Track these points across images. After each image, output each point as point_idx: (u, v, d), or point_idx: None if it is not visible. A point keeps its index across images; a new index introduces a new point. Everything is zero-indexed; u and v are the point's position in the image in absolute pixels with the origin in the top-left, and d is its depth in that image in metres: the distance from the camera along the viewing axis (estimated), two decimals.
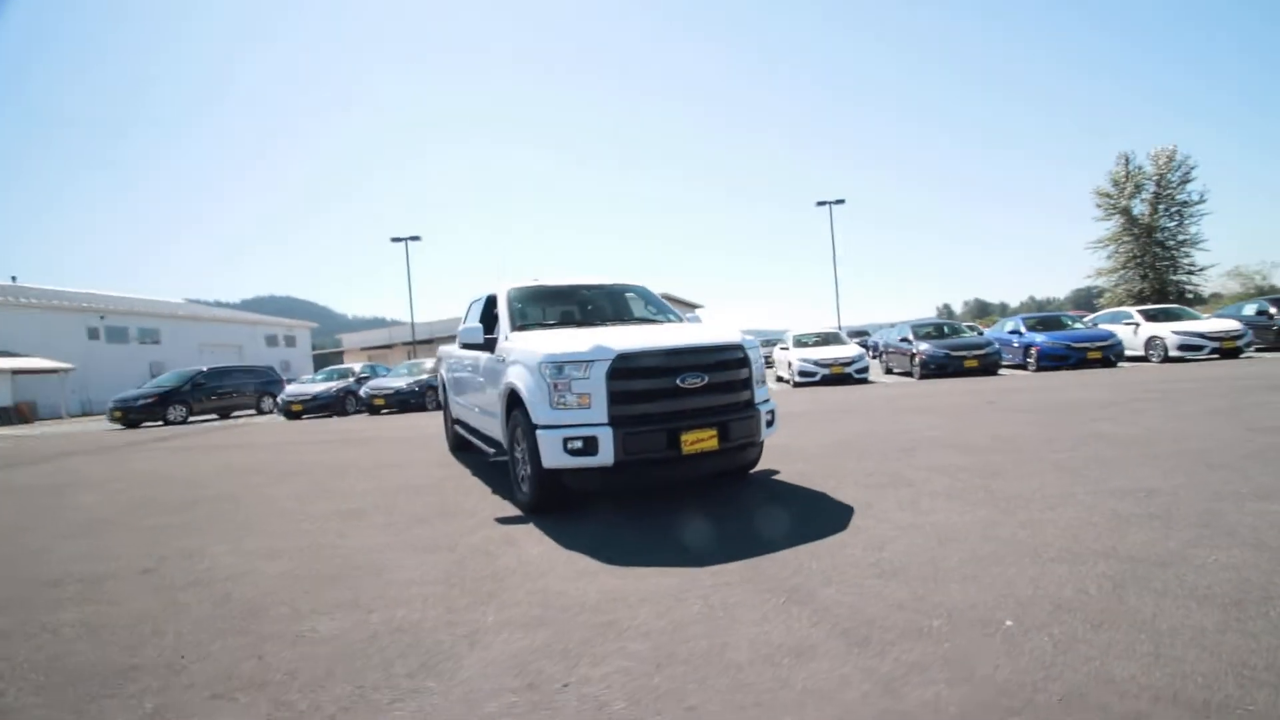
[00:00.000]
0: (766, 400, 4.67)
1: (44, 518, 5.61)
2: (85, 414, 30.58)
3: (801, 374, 14.77)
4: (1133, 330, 15.03)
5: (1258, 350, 14.57)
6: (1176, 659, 2.07)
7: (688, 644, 2.39)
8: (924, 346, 14.80)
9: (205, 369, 19.78)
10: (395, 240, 35.35)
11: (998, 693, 1.94)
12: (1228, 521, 3.33)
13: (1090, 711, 1.82)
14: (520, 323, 5.31)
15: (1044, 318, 16.16)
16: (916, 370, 14.79)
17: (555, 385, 4.10)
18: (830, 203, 33.72)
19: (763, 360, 4.75)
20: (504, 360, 4.88)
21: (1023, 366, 15.07)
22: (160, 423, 17.80)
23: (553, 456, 4.03)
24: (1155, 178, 35.96)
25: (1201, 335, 13.71)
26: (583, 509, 4.52)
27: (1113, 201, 37.25)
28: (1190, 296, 34.76)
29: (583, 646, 2.42)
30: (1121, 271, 37.23)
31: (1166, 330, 14.15)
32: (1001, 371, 14.88)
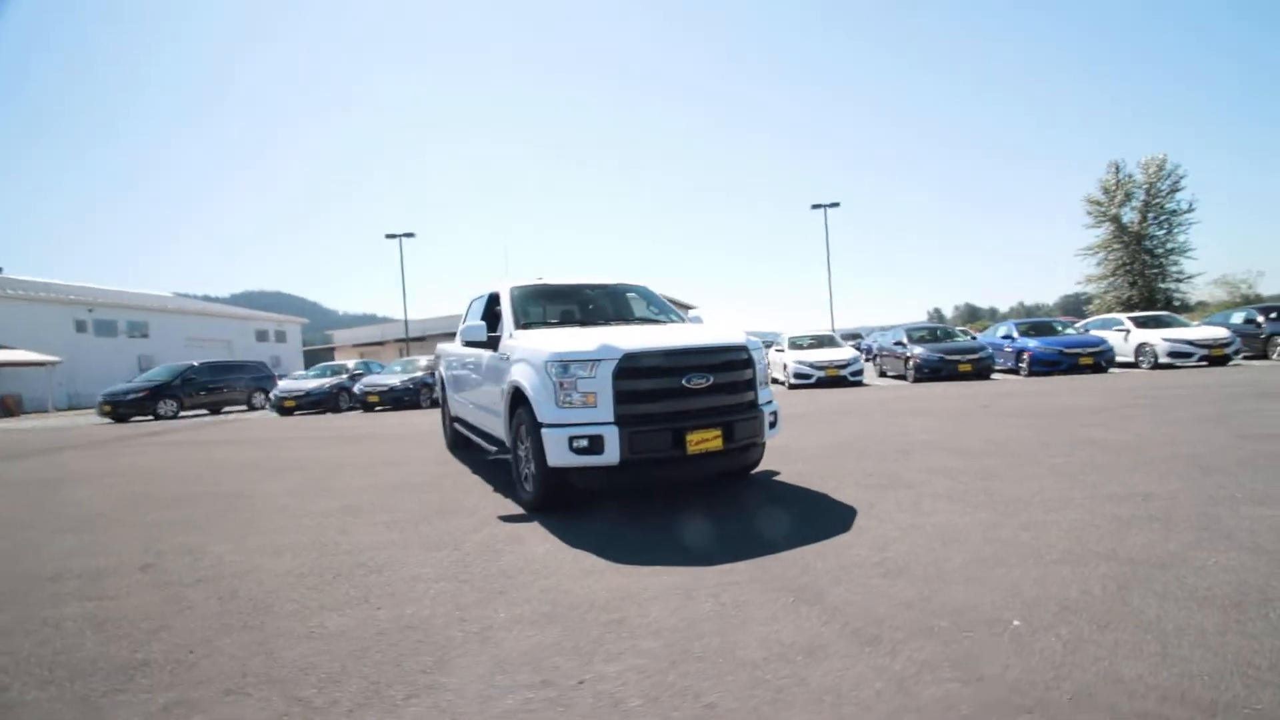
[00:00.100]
0: (769, 401, 4.70)
1: (38, 512, 5.55)
2: (72, 408, 30.23)
3: (797, 376, 14.83)
4: (1123, 336, 15.21)
5: (1245, 358, 14.78)
6: (1182, 659, 2.11)
7: (700, 641, 2.41)
8: (918, 350, 14.91)
9: (196, 364, 19.60)
10: (390, 237, 35.18)
11: (1009, 691, 1.97)
12: (1224, 525, 3.39)
13: (1100, 711, 1.86)
14: (524, 321, 5.31)
15: (1036, 323, 16.32)
16: (911, 374, 14.89)
17: (561, 384, 4.11)
18: (825, 206, 33.89)
19: (766, 361, 4.79)
20: (508, 358, 4.88)
21: (1015, 371, 15.21)
22: (150, 417, 17.62)
23: (558, 455, 4.04)
24: (1145, 186, 36.36)
25: (1191, 343, 13.90)
26: (586, 508, 4.52)
27: (1103, 209, 37.65)
28: (1177, 304, 35.21)
29: (595, 644, 2.43)
30: (1111, 278, 37.63)
31: (1157, 337, 14.33)
32: (994, 376, 15.02)
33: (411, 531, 4.18)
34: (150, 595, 3.25)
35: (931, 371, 14.48)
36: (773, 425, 4.65)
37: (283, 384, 18.44)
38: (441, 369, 8.01)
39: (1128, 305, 34.92)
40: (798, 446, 6.54)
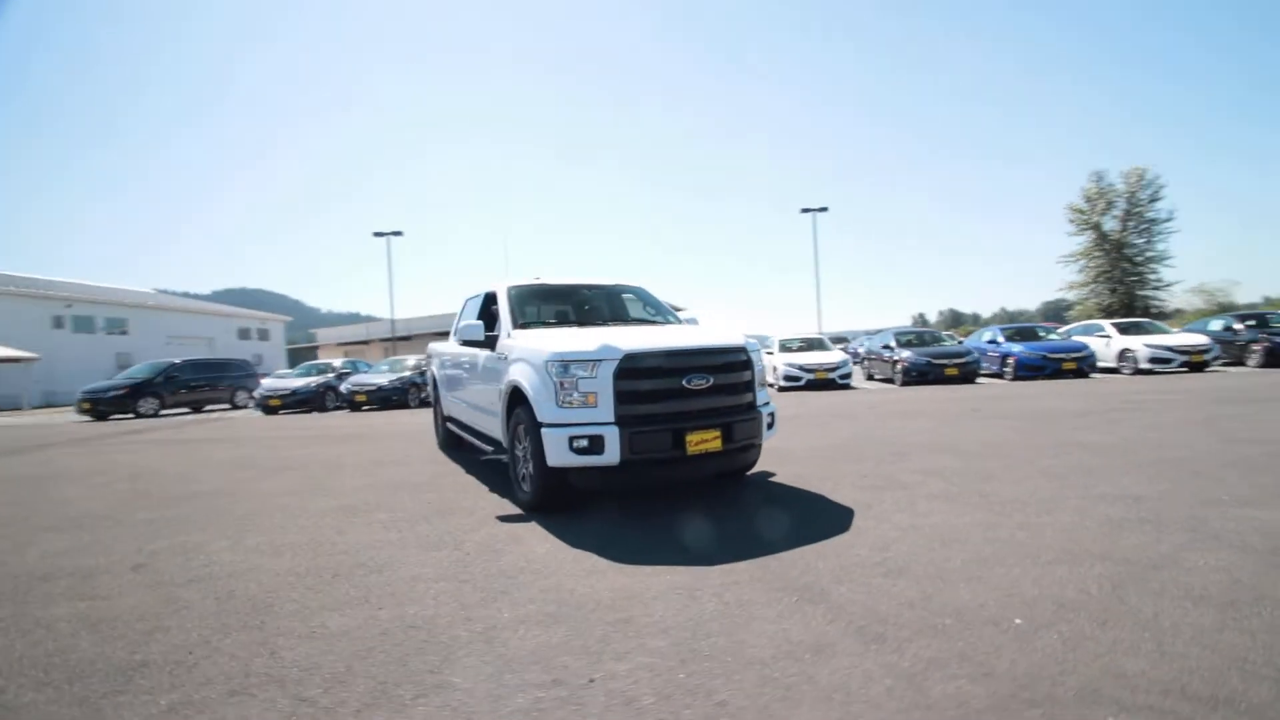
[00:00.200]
0: (767, 403, 4.73)
1: (23, 511, 5.43)
2: (48, 405, 29.58)
3: (787, 378, 14.92)
4: (1105, 342, 15.49)
5: (1223, 364, 15.11)
6: (1180, 655, 2.16)
7: (708, 640, 2.42)
8: (906, 354, 15.06)
9: (178, 361, 19.30)
10: (378, 235, 34.89)
11: (1016, 687, 2.01)
12: (1213, 527, 3.47)
13: (1105, 705, 1.89)
14: (521, 321, 5.30)
15: (1020, 328, 16.57)
16: (898, 377, 15.04)
17: (561, 384, 4.10)
18: (814, 210, 34.15)
19: (764, 363, 4.82)
20: (505, 358, 4.86)
21: (1000, 375, 15.43)
22: (131, 415, 17.31)
23: (558, 455, 4.03)
24: (1126, 195, 37.13)
25: (1171, 349, 14.19)
26: (584, 508, 4.52)
27: (1085, 217, 38.36)
28: (1155, 311, 35.92)
29: (603, 643, 2.43)
30: (1092, 285, 38.33)
31: (1138, 343, 14.61)
32: (980, 380, 15.22)
33: (409, 531, 4.14)
34: (144, 595, 3.20)
35: (919, 375, 14.64)
36: (770, 426, 4.68)
37: (267, 382, 18.20)
38: (434, 368, 7.96)
39: (1108, 312, 35.58)
40: (792, 448, 6.58)
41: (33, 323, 32.25)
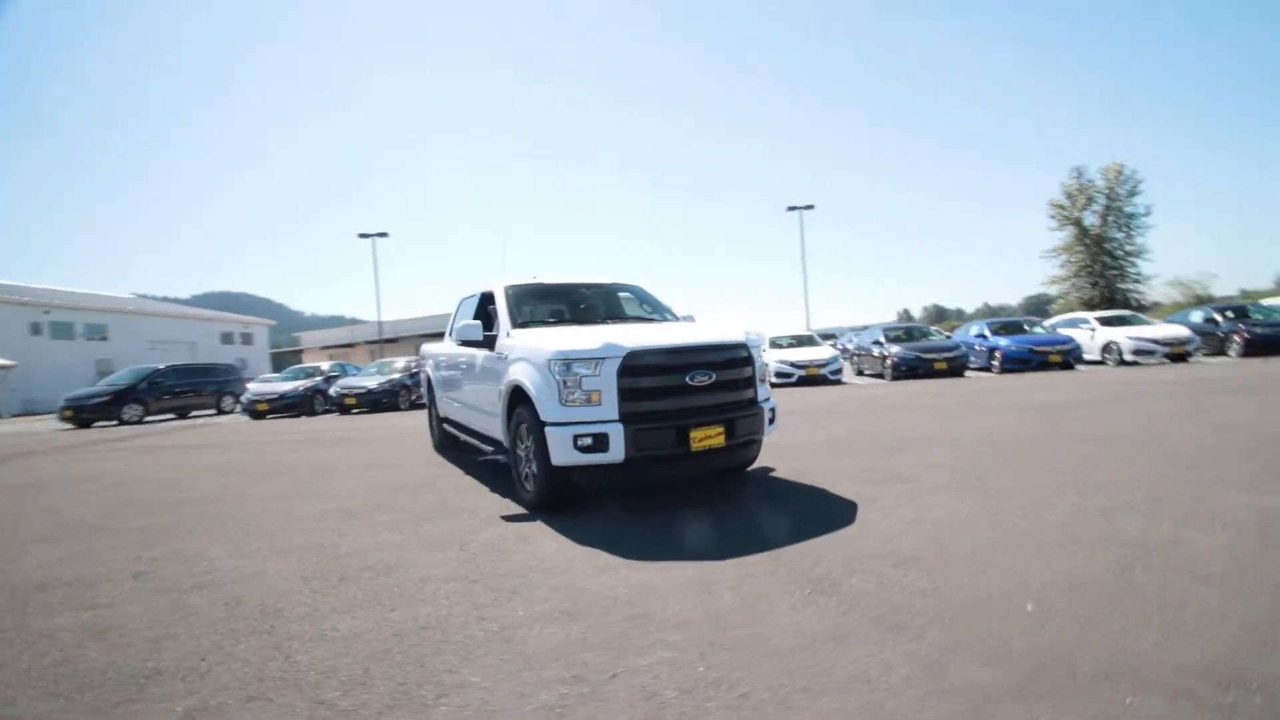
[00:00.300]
0: (768, 398, 4.76)
1: (12, 520, 5.32)
2: (27, 413, 28.97)
3: (778, 375, 14.99)
4: (1090, 335, 15.74)
5: (1204, 355, 15.41)
6: (1191, 633, 2.21)
7: (726, 633, 2.43)
8: (895, 349, 15.21)
9: (162, 366, 18.96)
10: (363, 236, 34.55)
11: (1036, 670, 2.04)
12: (1210, 510, 3.54)
13: (1123, 684, 1.93)
14: (520, 320, 5.28)
15: (1006, 322, 16.78)
16: (888, 372, 15.18)
17: (565, 382, 4.09)
18: (800, 208, 34.34)
19: (764, 359, 4.84)
20: (505, 358, 4.85)
21: (987, 369, 15.62)
22: (115, 422, 17.00)
23: (562, 453, 4.03)
24: (1106, 191, 37.74)
25: (1154, 341, 14.45)
26: (587, 506, 4.51)
27: (1066, 213, 38.95)
28: (1135, 304, 36.57)
29: (622, 639, 2.44)
30: (1073, 279, 38.92)
31: (1122, 335, 14.87)
32: (968, 374, 15.39)
33: (413, 533, 4.12)
34: (149, 603, 3.15)
35: (909, 369, 14.79)
36: (771, 422, 4.70)
37: (254, 387, 17.96)
38: (428, 370, 7.91)
39: (1089, 305, 36.14)
40: (789, 444, 6.61)
41: (9, 329, 31.58)
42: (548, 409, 4.13)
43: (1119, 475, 4.48)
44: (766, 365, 15.09)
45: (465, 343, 5.46)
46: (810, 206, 34.42)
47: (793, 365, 14.95)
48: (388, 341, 40.19)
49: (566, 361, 4.11)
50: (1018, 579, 2.77)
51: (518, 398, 4.58)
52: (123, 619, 2.95)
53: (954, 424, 7.51)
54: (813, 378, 14.87)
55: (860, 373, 17.73)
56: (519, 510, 4.54)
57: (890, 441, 6.49)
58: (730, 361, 4.40)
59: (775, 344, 16.62)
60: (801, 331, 18.92)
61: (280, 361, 52.99)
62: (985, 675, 2.03)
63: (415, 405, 16.44)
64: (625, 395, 4.05)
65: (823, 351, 15.67)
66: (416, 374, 16.55)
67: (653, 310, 5.95)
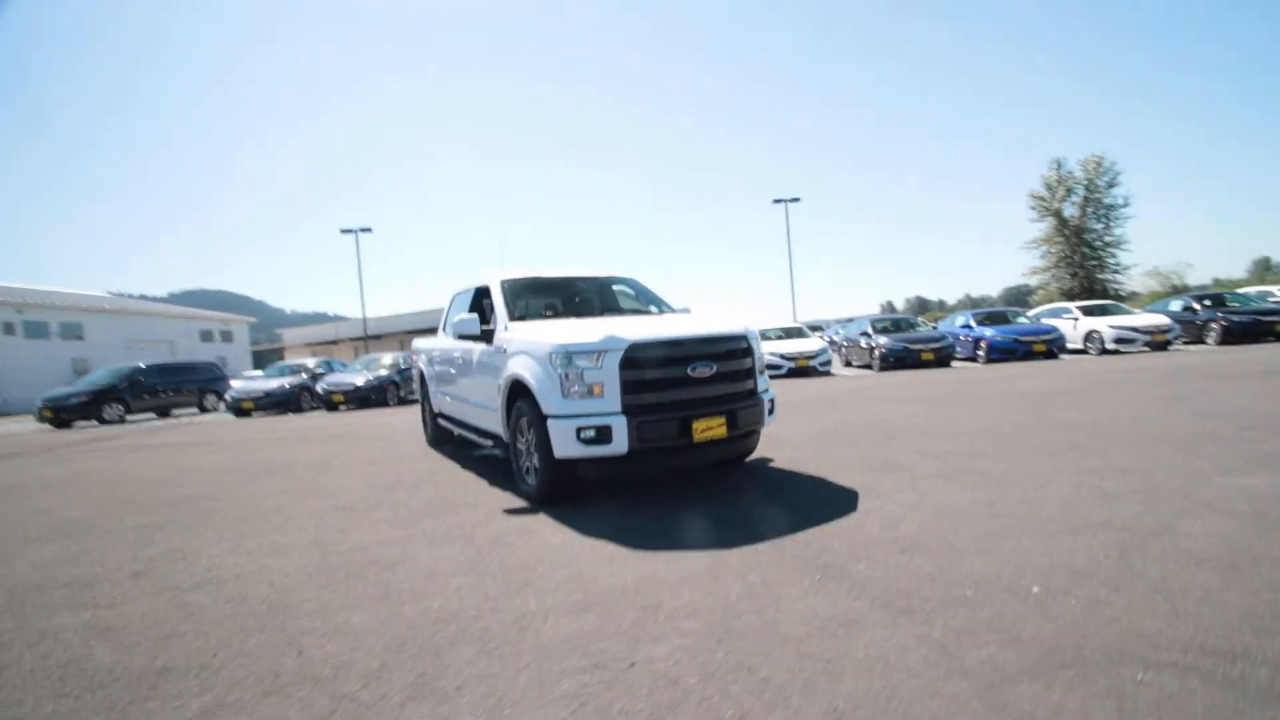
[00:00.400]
0: (767, 389, 4.79)
1: (3, 522, 5.21)
2: (2, 414, 28.32)
3: (768, 367, 15.06)
4: (1072, 324, 16.01)
5: (1184, 343, 15.75)
6: (1192, 614, 2.27)
7: (739, 620, 2.46)
8: (883, 340, 15.36)
9: (143, 365, 18.62)
10: (345, 231, 34.08)
11: (1045, 651, 2.08)
12: (1202, 495, 3.63)
13: (1132, 663, 1.98)
14: (517, 313, 5.26)
15: (991, 313, 17.02)
16: (876, 363, 15.33)
17: (566, 375, 4.09)
18: (786, 200, 34.44)
19: (763, 350, 4.87)
20: (504, 351, 4.83)
21: (973, 359, 15.84)
22: (95, 422, 16.68)
23: (565, 446, 4.03)
24: (1085, 182, 38.27)
25: (1135, 329, 14.74)
26: (588, 499, 4.51)
27: (1045, 204, 39.45)
28: (1113, 294, 37.21)
29: (637, 628, 2.45)
30: (1053, 270, 39.49)
31: (1104, 324, 15.15)
32: (954, 364, 15.59)
33: (416, 528, 4.10)
34: (151, 602, 3.11)
35: (896, 360, 14.95)
36: (770, 412, 4.74)
37: (239, 385, 17.71)
38: (421, 365, 7.85)
39: (1069, 295, 36.71)
40: (785, 434, 6.67)
41: None
42: (550, 402, 4.13)
43: (1110, 462, 4.57)
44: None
45: (462, 337, 5.43)
46: (796, 199, 34.56)
47: (782, 357, 15.04)
48: (372, 338, 39.79)
49: (568, 354, 4.10)
50: (1020, 563, 2.83)
51: (517, 391, 4.57)
52: (125, 618, 2.91)
53: (944, 413, 7.62)
54: (802, 369, 14.98)
55: (848, 364, 17.89)
56: (520, 504, 4.53)
57: (883, 431, 6.57)
58: (731, 353, 4.42)
59: (764, 336, 16.71)
60: (789, 324, 19.02)
61: (262, 359, 52.25)
62: (998, 656, 2.07)
63: (404, 401, 16.32)
64: (628, 387, 4.06)
65: (812, 343, 15.79)
66: (405, 370, 16.41)
67: (649, 303, 5.95)
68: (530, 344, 4.45)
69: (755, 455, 5.54)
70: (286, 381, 16.78)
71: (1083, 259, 38.28)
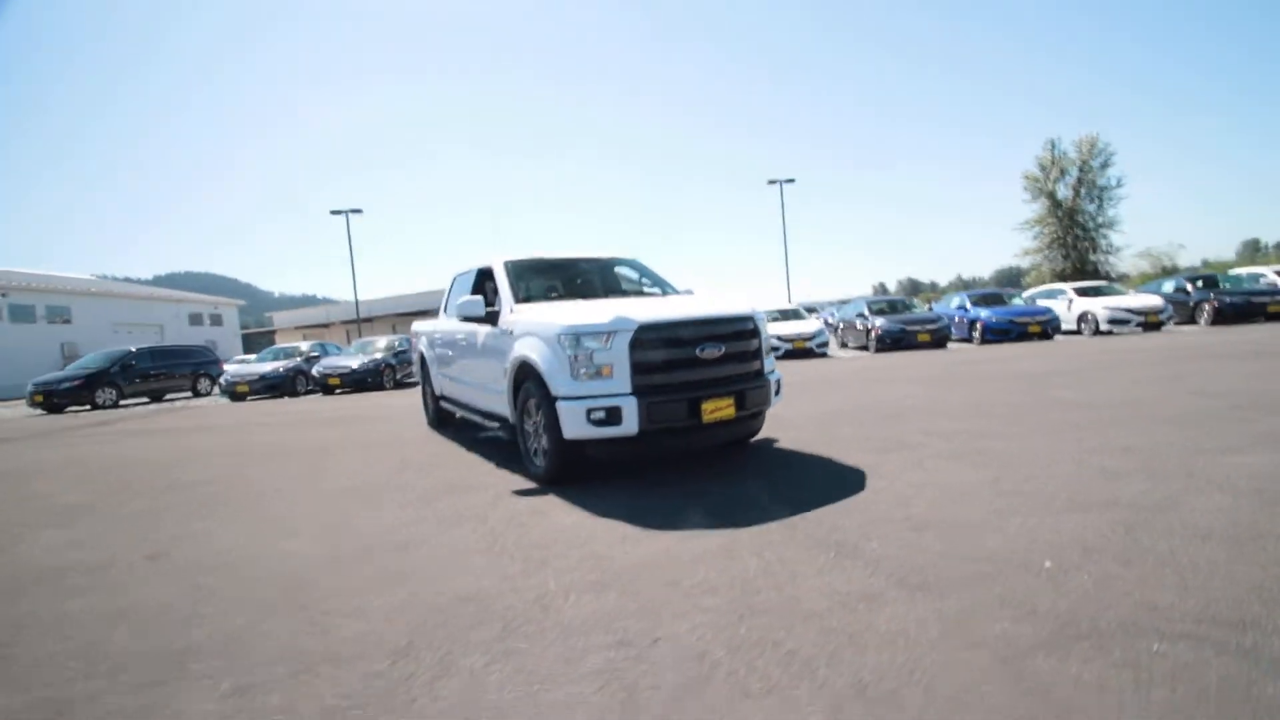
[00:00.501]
0: (773, 370, 4.81)
1: (7, 506, 5.19)
2: None
3: None
4: (1066, 305, 16.12)
5: (1176, 324, 15.91)
6: (1202, 588, 2.32)
7: (759, 596, 2.50)
8: (880, 321, 15.42)
9: (135, 349, 18.43)
10: (335, 213, 33.64)
11: (1061, 624, 2.13)
12: (1205, 473, 3.69)
13: (1147, 635, 2.03)
14: (522, 295, 5.24)
15: (987, 294, 17.12)
16: (873, 344, 15.41)
17: (575, 357, 4.09)
18: (780, 181, 34.26)
19: (769, 331, 4.88)
20: (510, 333, 4.81)
21: (968, 340, 15.94)
22: (88, 407, 16.55)
23: (574, 427, 4.04)
24: (1078, 163, 38.28)
25: (1129, 310, 14.87)
26: (596, 480, 4.53)
27: (1039, 185, 39.48)
28: (1105, 275, 37.42)
29: (658, 605, 2.48)
30: (1046, 251, 39.64)
31: (1098, 305, 15.27)
32: (950, 345, 15.69)
33: (427, 509, 4.11)
34: (167, 585, 3.12)
35: (893, 342, 15.03)
36: (777, 393, 4.76)
37: (233, 368, 17.60)
38: (422, 347, 7.81)
39: (1061, 276, 36.89)
40: (788, 415, 6.70)
41: None
42: (559, 383, 4.13)
43: (1111, 440, 4.64)
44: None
45: (466, 319, 5.40)
46: (791, 180, 34.38)
47: (780, 339, 15.08)
48: (364, 321, 39.50)
49: (577, 335, 4.09)
50: (1031, 540, 2.87)
51: (524, 373, 4.56)
52: (142, 601, 2.92)
53: (944, 394, 7.68)
54: (799, 350, 15.04)
55: (844, 345, 17.97)
56: (529, 485, 4.55)
57: (885, 411, 6.63)
58: (739, 334, 4.43)
59: None
60: (786, 305, 19.06)
61: (252, 343, 51.84)
62: (1015, 629, 2.11)
63: (400, 384, 16.28)
64: (637, 368, 4.06)
65: (809, 325, 15.83)
66: (401, 353, 16.35)
67: (653, 284, 5.94)
68: (538, 325, 4.44)
69: (760, 436, 5.58)
70: (281, 365, 16.68)
71: (1075, 240, 38.44)
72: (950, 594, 2.40)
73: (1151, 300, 15.19)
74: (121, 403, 17.39)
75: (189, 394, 19.61)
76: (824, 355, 15.45)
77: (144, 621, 2.69)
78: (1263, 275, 17.39)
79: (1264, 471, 3.63)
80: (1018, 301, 16.78)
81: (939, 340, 15.07)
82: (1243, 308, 14.75)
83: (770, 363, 4.81)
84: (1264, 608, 2.14)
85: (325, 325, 50.06)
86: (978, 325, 15.42)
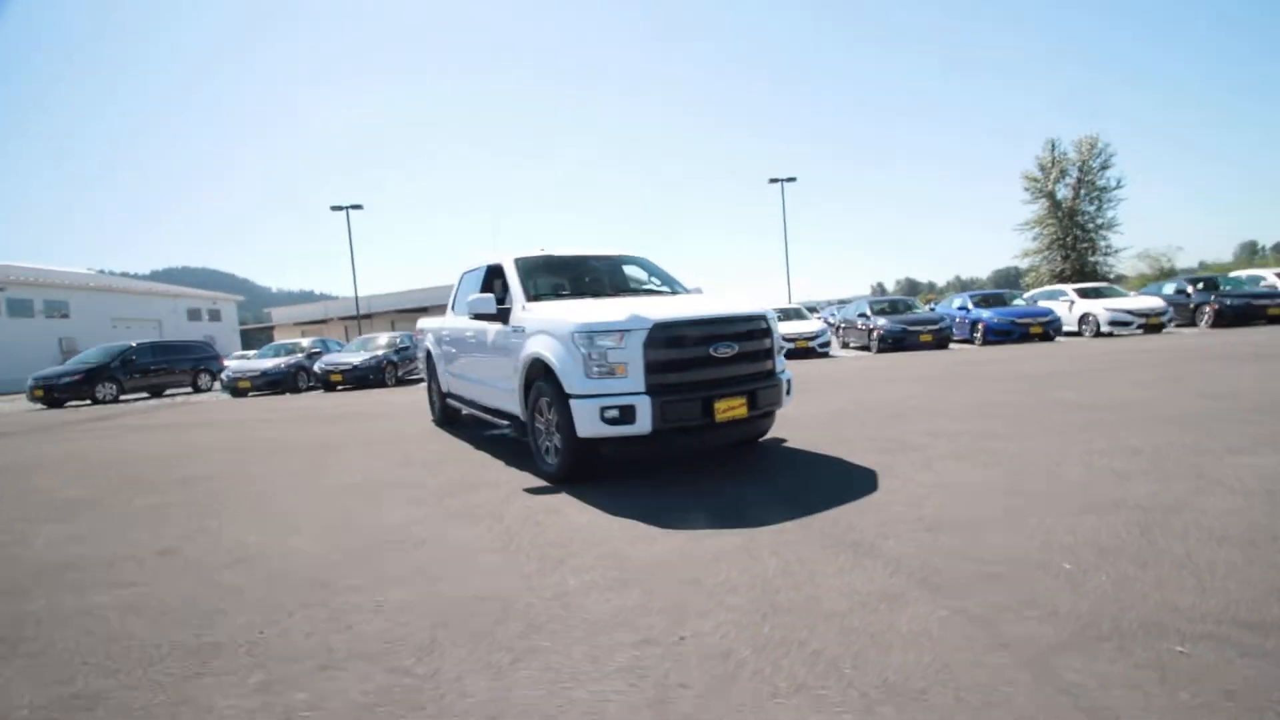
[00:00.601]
0: (784, 370, 4.82)
1: (11, 501, 5.18)
2: None
3: None
4: (1068, 307, 16.16)
5: (1177, 326, 15.96)
6: (1220, 589, 2.34)
7: (780, 595, 2.51)
8: (881, 322, 15.45)
9: (135, 344, 18.38)
10: (335, 209, 33.56)
11: (1083, 625, 2.15)
12: (1213, 474, 3.72)
13: (1169, 636, 2.04)
14: (533, 293, 5.24)
15: (988, 295, 17.15)
16: (875, 344, 15.44)
17: (590, 355, 4.10)
18: (782, 180, 34.24)
19: (780, 331, 4.90)
20: (522, 330, 4.82)
21: (970, 341, 15.98)
22: (88, 401, 16.50)
23: (588, 426, 4.05)
24: (1078, 164, 38.35)
25: (1130, 312, 14.92)
26: (607, 478, 4.54)
27: (1039, 185, 39.54)
28: (1103, 277, 37.50)
29: (680, 604, 2.49)
30: (1045, 252, 39.72)
31: (1099, 307, 15.31)
32: (951, 346, 15.73)
33: (439, 507, 4.12)
34: (183, 580, 3.12)
35: (895, 342, 15.06)
36: (788, 393, 4.78)
37: (234, 364, 17.57)
38: (428, 344, 7.81)
39: (1060, 277, 36.96)
40: (795, 415, 6.71)
41: None
42: (573, 381, 4.14)
43: (1119, 441, 4.66)
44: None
45: (477, 316, 5.40)
46: (792, 179, 34.37)
47: (782, 338, 15.08)
48: (363, 317, 39.43)
49: (591, 334, 4.10)
50: (1046, 541, 2.89)
51: (537, 370, 4.57)
52: (160, 596, 2.93)
53: (949, 394, 7.71)
54: (802, 350, 15.05)
55: (845, 345, 18.00)
56: (540, 483, 4.56)
57: (891, 411, 6.65)
58: (751, 333, 4.44)
59: None
60: (787, 305, 19.07)
61: (250, 338, 51.75)
62: (1039, 630, 2.13)
63: (402, 381, 16.27)
64: (652, 367, 4.07)
65: (811, 325, 15.85)
66: (403, 349, 16.34)
67: (662, 282, 5.94)
68: (551, 323, 4.44)
69: (767, 435, 5.59)
70: (282, 361, 16.64)
71: (1075, 241, 38.51)
72: (971, 594, 2.42)
73: (1152, 302, 15.24)
74: (122, 398, 17.35)
75: (189, 389, 19.56)
76: (826, 355, 15.48)
77: (164, 616, 2.70)
78: (1263, 278, 17.46)
79: (1273, 473, 3.65)
80: (1019, 303, 16.81)
81: (941, 341, 15.11)
82: (1243, 310, 14.81)
83: (781, 362, 4.82)
84: None
85: (324, 321, 49.98)
86: (979, 326, 15.46)
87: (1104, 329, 15.02)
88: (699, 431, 4.23)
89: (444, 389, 7.35)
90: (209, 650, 2.37)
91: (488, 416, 5.87)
